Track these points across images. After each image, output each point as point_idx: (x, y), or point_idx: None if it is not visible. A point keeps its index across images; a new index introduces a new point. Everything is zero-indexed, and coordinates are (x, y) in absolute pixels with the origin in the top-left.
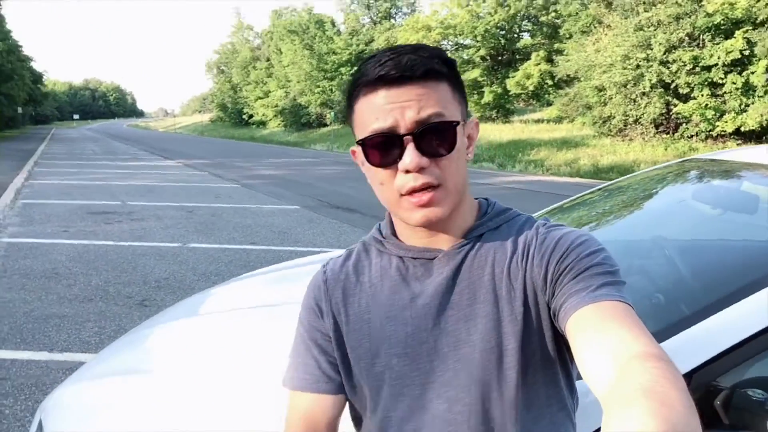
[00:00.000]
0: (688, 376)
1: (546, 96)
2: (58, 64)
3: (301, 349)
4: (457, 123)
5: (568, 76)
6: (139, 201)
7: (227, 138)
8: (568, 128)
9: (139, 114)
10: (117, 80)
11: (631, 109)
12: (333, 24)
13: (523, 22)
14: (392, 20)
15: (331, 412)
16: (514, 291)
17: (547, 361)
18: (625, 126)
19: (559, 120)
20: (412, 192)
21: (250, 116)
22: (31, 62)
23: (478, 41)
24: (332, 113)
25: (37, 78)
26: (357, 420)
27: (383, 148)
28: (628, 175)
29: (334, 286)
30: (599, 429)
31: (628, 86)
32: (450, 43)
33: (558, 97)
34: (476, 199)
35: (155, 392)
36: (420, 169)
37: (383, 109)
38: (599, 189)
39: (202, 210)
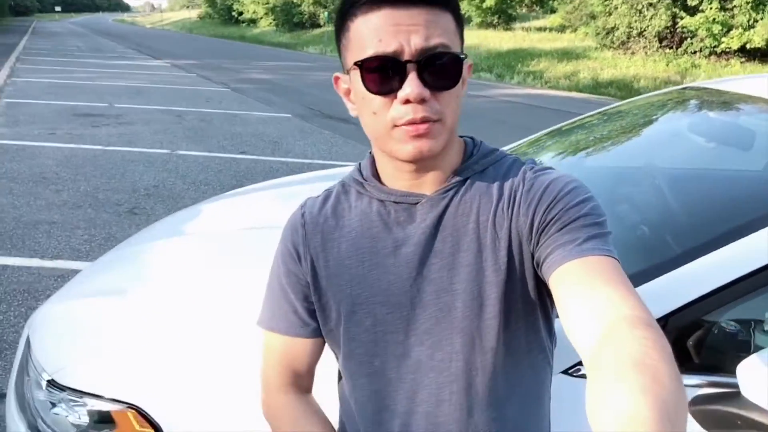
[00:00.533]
0: (665, 318)
1: (550, 2)
2: None
3: (276, 291)
4: (465, 57)
5: None
6: (126, 103)
7: (216, 36)
8: (570, 38)
9: (125, 8)
10: None
11: (636, 21)
12: None
13: None
14: None
15: (308, 355)
16: (499, 240)
17: (529, 309)
18: (628, 38)
19: (561, 29)
20: (410, 123)
21: (240, 13)
22: None
23: None
24: (326, 13)
25: None
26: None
27: (383, 73)
28: (627, 100)
29: (312, 229)
30: (570, 368)
31: None
32: None
33: (562, 3)
34: (461, 137)
35: (138, 313)
36: (420, 101)
37: (387, 31)
38: (598, 113)
39: (191, 115)
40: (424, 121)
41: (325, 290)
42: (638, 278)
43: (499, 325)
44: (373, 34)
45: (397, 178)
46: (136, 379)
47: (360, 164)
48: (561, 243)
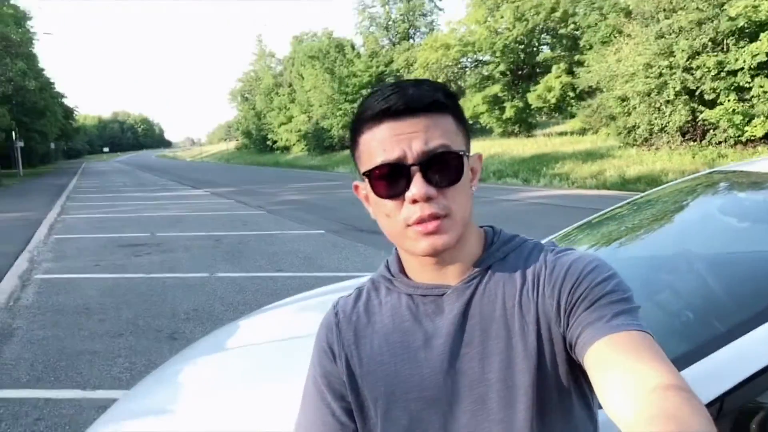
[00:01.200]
0: (721, 399)
1: (568, 108)
2: (88, 98)
3: (312, 394)
4: (464, 153)
5: (590, 87)
6: (168, 232)
7: (253, 164)
8: (592, 140)
9: (167, 144)
10: (144, 112)
11: (656, 118)
12: (353, 47)
13: (542, 36)
14: (411, 40)
15: None
16: (527, 325)
17: (564, 395)
18: (650, 135)
19: (582, 132)
20: (419, 222)
21: (274, 142)
22: (62, 98)
23: (497, 57)
24: None
25: (69, 113)
26: None
27: (390, 179)
28: (656, 188)
29: (346, 327)
30: None
31: (651, 95)
32: (469, 60)
33: (581, 108)
34: (481, 227)
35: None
36: (427, 199)
37: (390, 141)
38: (627, 203)
39: (229, 238)
40: (432, 217)
41: (361, 388)
42: (684, 361)
43: (535, 412)
44: (378, 145)
45: (422, 271)
46: None
47: (387, 260)
48: (590, 321)
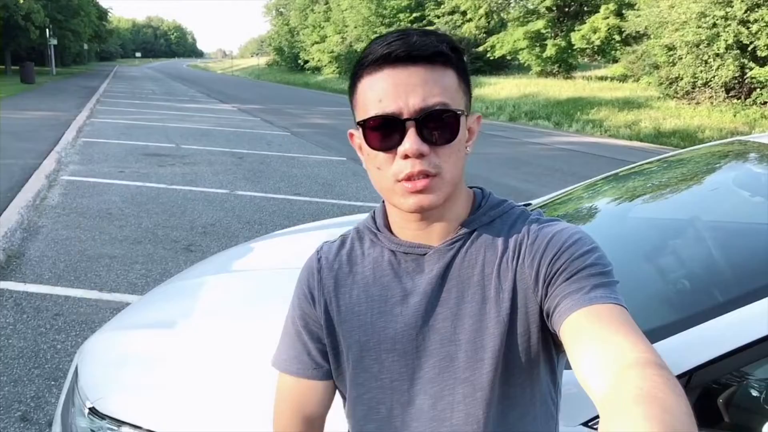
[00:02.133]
0: (689, 374)
1: (612, 52)
2: (122, 1)
3: (291, 332)
4: (462, 113)
5: (637, 32)
6: (192, 145)
7: (282, 83)
8: (632, 88)
9: (199, 54)
10: (179, 19)
11: (701, 71)
12: None
13: None
14: None
15: (319, 398)
16: (503, 292)
17: (532, 361)
18: (693, 88)
19: (623, 78)
20: (409, 178)
21: (306, 61)
22: None
23: None
24: None
25: (103, 14)
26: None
27: (384, 131)
28: (689, 148)
29: (327, 274)
30: (590, 420)
31: (700, 46)
32: None
33: (625, 54)
34: (471, 188)
35: (180, 347)
36: (419, 156)
37: (387, 91)
38: (658, 160)
39: (251, 157)
40: (421, 174)
41: (337, 334)
42: (664, 331)
43: (501, 376)
44: (375, 94)
45: (405, 228)
46: (174, 412)
47: (374, 212)
48: (568, 293)
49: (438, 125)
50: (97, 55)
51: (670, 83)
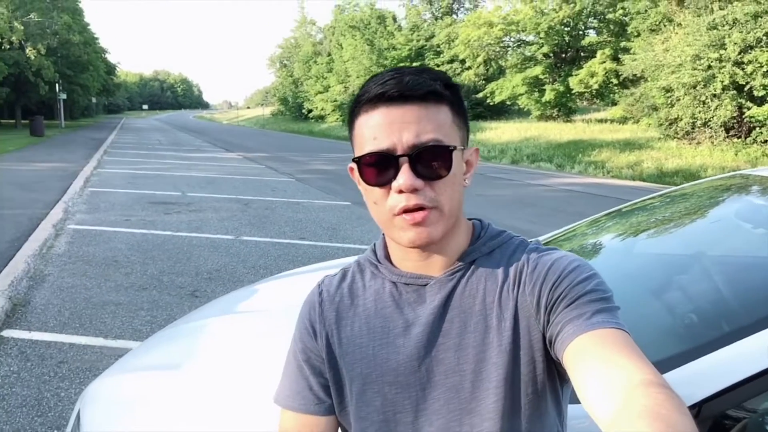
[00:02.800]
0: (699, 405)
1: (610, 95)
2: (130, 56)
3: (293, 367)
4: (454, 148)
5: (634, 75)
6: (198, 192)
7: (287, 131)
8: (632, 129)
9: (205, 106)
10: (185, 72)
11: (699, 112)
12: (394, 19)
13: (589, 19)
14: (454, 15)
15: None
16: (504, 321)
17: (537, 391)
18: (692, 129)
19: (623, 120)
20: (405, 211)
21: (310, 110)
22: (105, 54)
23: (541, 38)
24: None
25: (111, 69)
26: None
27: (379, 167)
28: (693, 182)
29: (328, 307)
30: None
31: (697, 87)
32: (512, 39)
33: (623, 96)
34: (470, 220)
35: (186, 389)
36: (413, 190)
37: (381, 129)
38: (661, 195)
39: (257, 203)
40: (418, 208)
41: (339, 367)
42: (673, 362)
43: (504, 408)
44: (369, 132)
45: (406, 260)
46: None
47: (375, 245)
48: (570, 319)
49: (431, 160)
50: (105, 107)
51: (670, 124)
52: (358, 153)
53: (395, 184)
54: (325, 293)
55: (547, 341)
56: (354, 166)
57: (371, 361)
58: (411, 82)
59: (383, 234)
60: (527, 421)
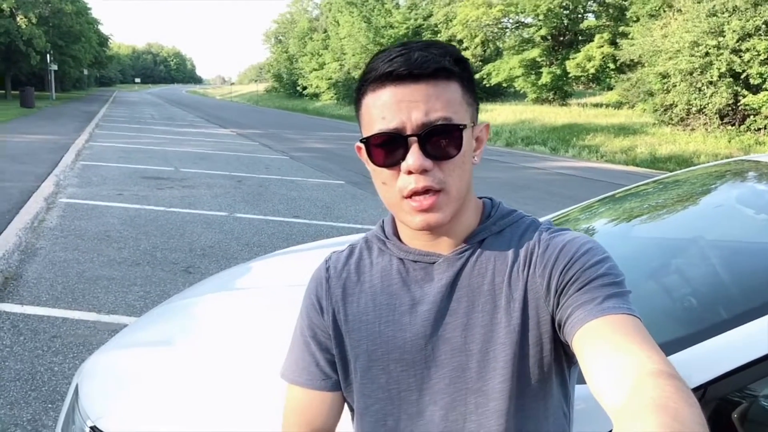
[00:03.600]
0: (704, 387)
1: (607, 80)
2: (123, 27)
3: (299, 343)
4: (464, 126)
5: (631, 60)
6: (191, 168)
7: (281, 108)
8: (627, 114)
9: (198, 80)
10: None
11: (695, 98)
12: None
13: (589, 3)
14: None
15: (328, 410)
16: (513, 301)
17: (545, 373)
18: (687, 115)
19: (618, 105)
20: (414, 194)
21: (304, 88)
22: (98, 25)
23: (539, 20)
24: None
25: (103, 41)
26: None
27: (387, 147)
28: (686, 169)
29: (335, 283)
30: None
31: (694, 74)
32: (510, 20)
33: (619, 81)
34: (481, 198)
35: (182, 365)
36: (423, 171)
37: (390, 108)
38: (654, 181)
39: (250, 180)
40: (426, 190)
41: (345, 343)
42: (678, 345)
43: (511, 388)
44: (378, 110)
45: (415, 238)
46: (170, 429)
47: (383, 221)
48: (581, 303)
49: (441, 140)
50: (97, 80)
51: (665, 110)
52: (366, 133)
53: (404, 165)
54: (332, 269)
55: (556, 324)
56: (362, 145)
57: (377, 338)
58: (420, 59)
59: None
60: (533, 401)
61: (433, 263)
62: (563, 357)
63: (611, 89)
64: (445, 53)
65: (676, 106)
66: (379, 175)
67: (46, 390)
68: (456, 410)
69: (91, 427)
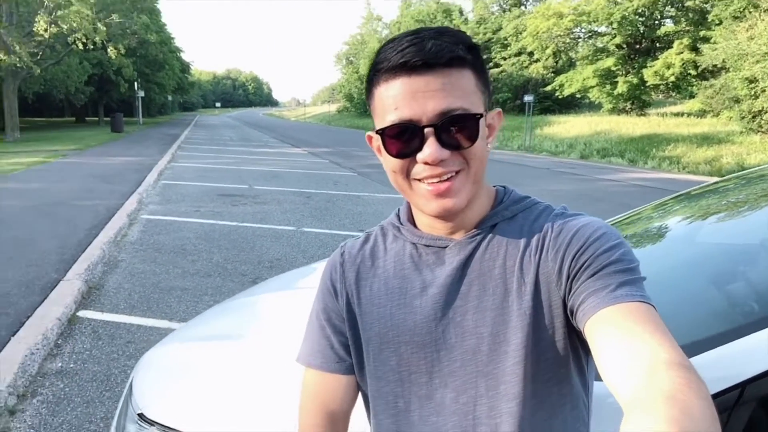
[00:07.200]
0: (742, 385)
1: (688, 88)
2: (204, 55)
3: (315, 327)
4: (481, 116)
5: (714, 66)
6: (264, 186)
7: (351, 127)
8: (711, 123)
9: (274, 103)
10: (255, 71)
11: None
12: (461, 12)
13: (666, 8)
14: (522, 7)
15: (342, 393)
16: (525, 285)
17: (559, 358)
18: None
19: (701, 114)
20: (430, 178)
21: None
22: (180, 53)
23: (614, 28)
24: None
25: (185, 68)
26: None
27: (402, 138)
28: None
29: (349, 267)
30: None
31: None
32: (583, 30)
33: (702, 88)
34: (494, 186)
35: (231, 358)
36: (439, 162)
37: (404, 98)
38: (737, 176)
39: (319, 196)
40: (442, 175)
41: (358, 327)
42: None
43: (524, 371)
44: (391, 102)
45: (428, 223)
46: (223, 422)
47: (399, 209)
48: (594, 290)
49: (457, 130)
50: (180, 105)
51: (753, 117)
52: (380, 124)
53: (420, 156)
54: (347, 254)
55: (568, 310)
56: (373, 134)
57: (388, 321)
58: (434, 48)
59: None
60: (547, 386)
61: (445, 247)
62: (578, 344)
63: (693, 97)
64: (458, 41)
65: (766, 112)
66: (390, 164)
67: (119, 391)
68: (466, 393)
69: (139, 414)
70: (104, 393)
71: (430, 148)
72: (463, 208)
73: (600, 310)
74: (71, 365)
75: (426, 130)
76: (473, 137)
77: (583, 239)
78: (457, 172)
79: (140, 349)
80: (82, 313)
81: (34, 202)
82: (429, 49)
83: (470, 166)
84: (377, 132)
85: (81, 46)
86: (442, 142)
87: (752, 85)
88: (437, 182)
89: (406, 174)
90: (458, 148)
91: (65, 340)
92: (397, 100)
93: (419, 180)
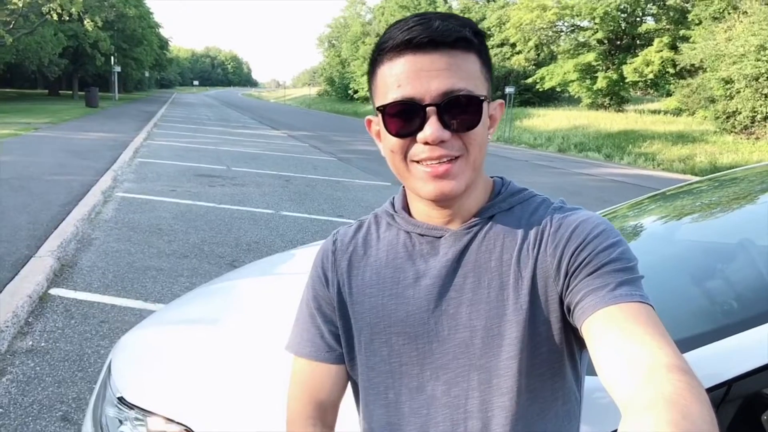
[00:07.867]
0: (728, 384)
1: (666, 86)
2: (183, 31)
3: (305, 315)
4: (485, 98)
5: (692, 65)
6: (242, 167)
7: (332, 112)
8: (686, 122)
9: (254, 84)
10: (235, 50)
11: (761, 105)
12: (445, 0)
13: (648, 5)
14: None
15: (332, 383)
16: (522, 279)
17: (554, 353)
18: (752, 123)
19: (677, 112)
20: (428, 160)
21: (356, 91)
22: (159, 29)
23: (596, 23)
24: None
25: (164, 44)
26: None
27: (404, 117)
28: (745, 166)
29: (341, 255)
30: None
31: (760, 79)
32: (565, 24)
33: (679, 87)
34: (492, 177)
35: (213, 342)
36: (440, 142)
37: (408, 76)
38: (709, 179)
39: (298, 180)
40: (442, 158)
41: (349, 316)
42: (702, 339)
43: (519, 366)
44: (394, 80)
45: (424, 211)
46: (202, 404)
47: (394, 197)
48: (592, 289)
49: (460, 112)
50: (158, 82)
51: (728, 117)
52: (381, 102)
53: (421, 136)
54: (339, 242)
55: (565, 307)
56: (373, 118)
57: (380, 311)
58: (440, 28)
59: (403, 186)
60: (541, 381)
61: (440, 237)
62: (573, 340)
63: (670, 95)
64: (464, 24)
65: (740, 113)
66: (389, 143)
67: (92, 371)
68: (458, 386)
69: (119, 398)
70: (77, 373)
71: (432, 128)
72: (461, 193)
73: (599, 310)
74: (42, 344)
75: (428, 108)
76: (475, 121)
77: (582, 235)
78: (456, 158)
79: (114, 329)
80: (54, 291)
81: (4, 176)
82: (436, 28)
83: (470, 152)
84: (378, 109)
85: (56, 17)
86: (444, 123)
87: (728, 85)
88: (436, 164)
89: (405, 155)
90: (460, 131)
91: (36, 318)
92: (401, 77)
93: (417, 162)
